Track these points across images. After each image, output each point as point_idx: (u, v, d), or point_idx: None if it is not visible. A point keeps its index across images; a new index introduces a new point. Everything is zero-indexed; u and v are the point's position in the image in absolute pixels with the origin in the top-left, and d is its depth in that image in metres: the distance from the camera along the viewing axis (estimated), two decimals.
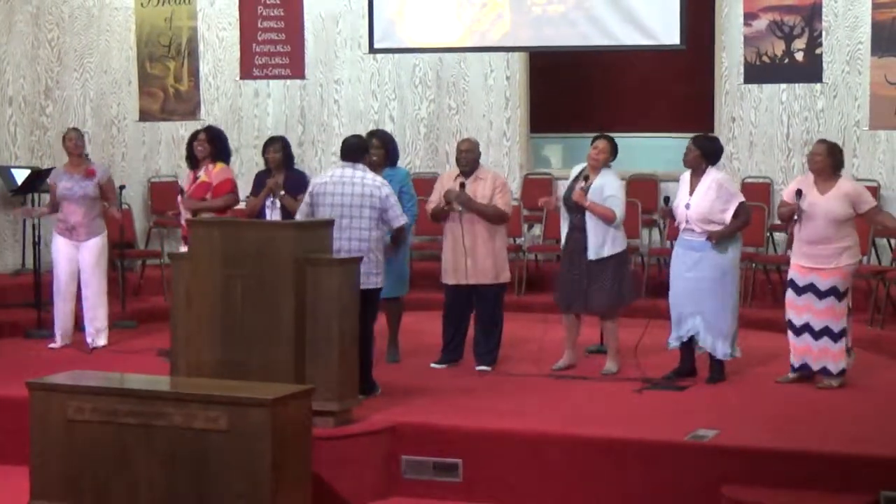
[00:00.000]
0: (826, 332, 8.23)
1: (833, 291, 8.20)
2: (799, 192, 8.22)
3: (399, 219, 8.05)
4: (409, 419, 7.52)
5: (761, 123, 12.16)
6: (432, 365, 9.06)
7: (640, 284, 10.84)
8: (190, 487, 6.44)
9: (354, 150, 8.13)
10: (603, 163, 8.72)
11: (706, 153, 8.47)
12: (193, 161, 9.43)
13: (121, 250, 11.55)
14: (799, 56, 11.86)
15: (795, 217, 8.24)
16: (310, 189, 8.16)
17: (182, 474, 6.44)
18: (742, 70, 12.09)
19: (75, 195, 9.68)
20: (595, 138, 8.84)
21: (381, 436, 7.40)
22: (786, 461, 6.77)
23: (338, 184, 7.99)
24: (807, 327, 8.28)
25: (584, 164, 8.85)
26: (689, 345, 8.56)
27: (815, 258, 8.23)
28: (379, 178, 8.12)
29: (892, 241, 11.21)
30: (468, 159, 8.94)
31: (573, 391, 8.35)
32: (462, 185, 8.82)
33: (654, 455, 6.98)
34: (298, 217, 8.26)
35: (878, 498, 6.51)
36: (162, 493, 6.49)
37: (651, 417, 7.56)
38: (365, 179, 8.00)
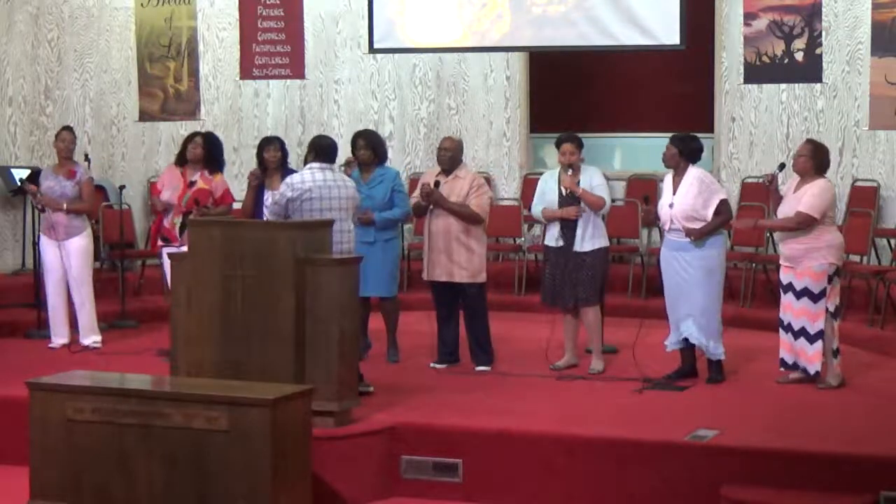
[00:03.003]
0: (802, 332, 8.22)
1: (806, 292, 8.18)
2: (783, 165, 8.44)
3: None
4: (409, 419, 7.51)
5: (761, 123, 12.16)
6: (432, 365, 9.07)
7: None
8: (190, 487, 6.44)
9: (331, 150, 8.16)
10: (576, 163, 8.79)
11: (684, 152, 8.50)
12: (183, 160, 9.48)
13: (121, 250, 11.55)
14: (799, 56, 11.86)
15: (768, 183, 8.36)
16: (290, 194, 7.95)
17: (182, 474, 6.44)
18: (742, 70, 12.09)
19: (55, 194, 9.70)
20: (559, 142, 8.88)
21: (381, 436, 7.40)
22: (786, 461, 6.77)
23: (323, 187, 7.98)
24: (790, 325, 8.29)
25: (553, 171, 8.96)
26: (690, 345, 8.56)
27: (788, 257, 8.28)
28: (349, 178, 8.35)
29: (892, 241, 11.22)
30: (446, 157, 8.97)
31: (573, 391, 8.35)
32: (437, 184, 8.84)
33: (654, 455, 6.97)
34: (270, 218, 8.28)
35: (878, 498, 6.51)
36: (162, 493, 6.49)
37: (651, 417, 7.56)
38: (347, 181, 8.17)
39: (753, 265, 11.22)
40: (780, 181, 8.49)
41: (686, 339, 8.49)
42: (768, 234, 11.43)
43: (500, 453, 7.22)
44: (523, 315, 11.03)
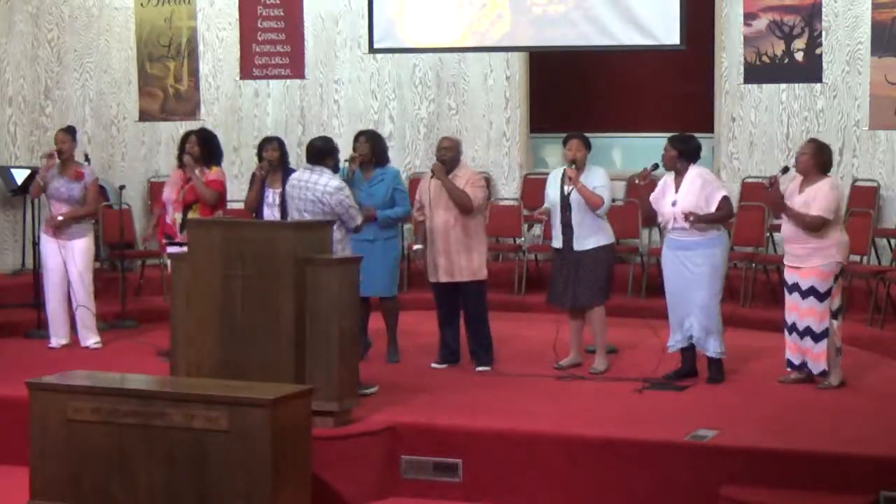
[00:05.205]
0: (808, 331, 8.22)
1: (812, 291, 8.18)
2: (786, 169, 8.36)
3: (353, 221, 8.02)
4: (409, 419, 7.51)
5: (761, 123, 12.16)
6: (432, 365, 9.07)
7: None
8: (190, 487, 6.44)
9: (317, 152, 8.13)
10: (581, 160, 8.79)
11: (682, 153, 8.51)
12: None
13: (121, 250, 11.56)
14: (799, 56, 11.86)
15: (770, 185, 8.27)
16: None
17: (182, 474, 6.44)
18: (742, 70, 12.09)
19: (62, 196, 9.69)
20: (566, 139, 8.91)
21: (381, 436, 7.40)
22: (786, 461, 6.77)
23: (295, 187, 8.05)
24: (794, 326, 8.29)
25: (558, 171, 8.98)
26: (690, 345, 8.56)
27: (793, 257, 8.26)
28: (333, 183, 7.99)
29: (892, 241, 11.22)
30: (447, 156, 8.96)
31: (573, 391, 8.35)
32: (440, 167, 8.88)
33: (654, 455, 6.97)
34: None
35: (878, 498, 6.51)
36: (162, 493, 6.49)
37: (651, 417, 7.56)
38: (318, 185, 7.97)
39: (753, 265, 11.22)
40: (780, 184, 8.45)
41: (689, 339, 8.48)
42: (768, 234, 11.44)
43: (500, 453, 7.22)
44: (523, 315, 11.04)
